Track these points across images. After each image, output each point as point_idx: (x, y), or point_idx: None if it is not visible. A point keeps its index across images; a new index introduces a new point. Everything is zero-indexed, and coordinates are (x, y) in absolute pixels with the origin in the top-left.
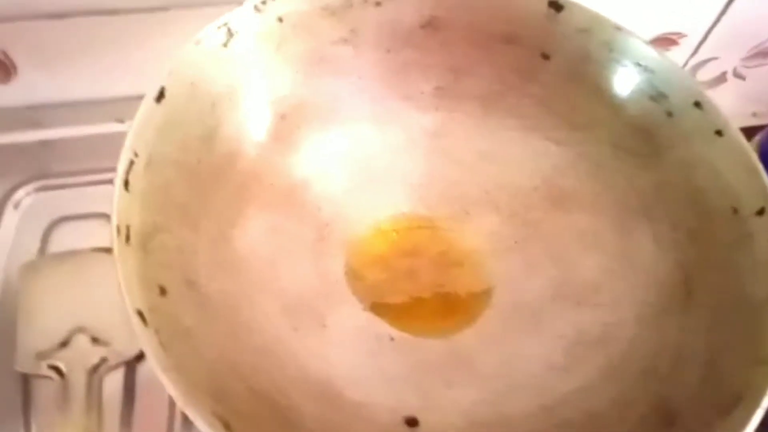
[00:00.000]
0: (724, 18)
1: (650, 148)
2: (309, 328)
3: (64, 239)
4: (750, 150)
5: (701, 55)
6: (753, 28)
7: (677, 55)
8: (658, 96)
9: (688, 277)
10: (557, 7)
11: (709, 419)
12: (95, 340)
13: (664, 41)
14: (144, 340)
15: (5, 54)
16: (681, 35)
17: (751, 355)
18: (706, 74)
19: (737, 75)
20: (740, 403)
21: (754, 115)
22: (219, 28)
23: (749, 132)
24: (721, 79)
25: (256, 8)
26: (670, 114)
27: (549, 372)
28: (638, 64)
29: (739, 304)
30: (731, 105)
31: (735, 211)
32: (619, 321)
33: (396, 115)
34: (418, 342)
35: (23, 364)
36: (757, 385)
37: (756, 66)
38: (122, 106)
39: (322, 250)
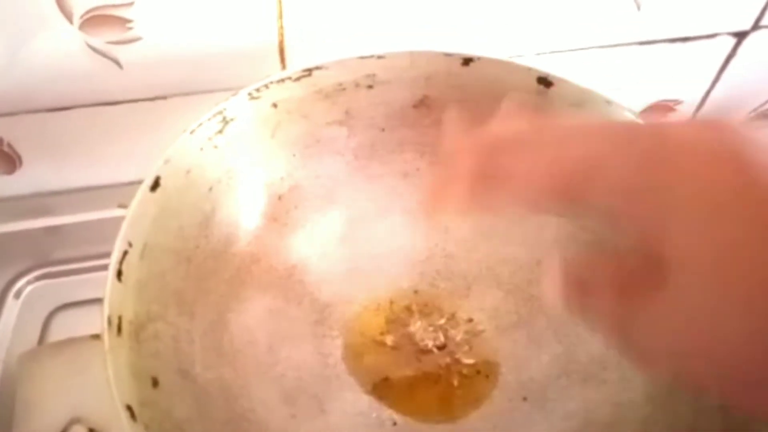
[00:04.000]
0: (719, 84)
1: None
2: (308, 415)
3: (65, 326)
4: None
5: None
6: (749, 92)
7: None
8: None
9: None
10: (547, 84)
11: None
12: (92, 431)
13: (661, 108)
14: None
15: (10, 146)
16: (678, 102)
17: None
18: None
19: None
20: None
21: None
22: (214, 116)
23: None
24: None
25: (251, 95)
26: None
27: None
28: None
29: None
30: None
31: None
32: (629, 400)
33: (393, 193)
34: (423, 427)
35: None
36: None
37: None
38: (125, 192)
39: (321, 332)
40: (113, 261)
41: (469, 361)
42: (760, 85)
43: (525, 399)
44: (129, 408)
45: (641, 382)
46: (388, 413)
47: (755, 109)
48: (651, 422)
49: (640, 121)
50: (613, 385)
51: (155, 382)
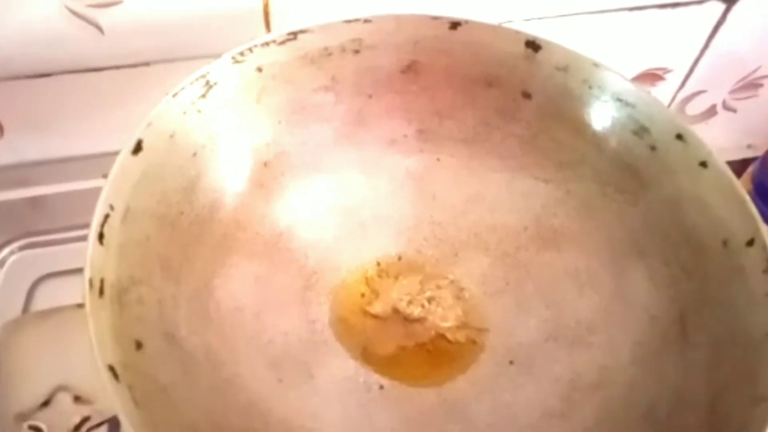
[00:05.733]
0: (707, 52)
1: (637, 184)
2: (295, 380)
3: (49, 296)
4: (735, 180)
5: (688, 89)
6: (737, 62)
7: (664, 90)
8: (639, 130)
9: (683, 315)
10: (535, 47)
11: None
12: (77, 399)
13: (651, 77)
14: (116, 397)
15: None
16: (667, 70)
17: (750, 393)
18: (695, 108)
19: (727, 107)
20: None
21: (749, 147)
22: (197, 80)
23: (745, 164)
24: (712, 112)
25: (234, 59)
26: (653, 148)
27: (545, 419)
28: (618, 99)
29: (736, 339)
30: (725, 138)
31: (725, 243)
32: (615, 363)
33: (380, 160)
34: (410, 391)
35: (2, 427)
36: (756, 424)
37: (746, 98)
38: (109, 162)
39: (308, 298)
40: (94, 224)
41: (456, 326)
42: (750, 53)
43: (512, 363)
44: (111, 368)
45: (628, 345)
46: (375, 378)
47: (744, 78)
48: (637, 384)
49: (628, 83)
50: (599, 348)
51: (139, 345)
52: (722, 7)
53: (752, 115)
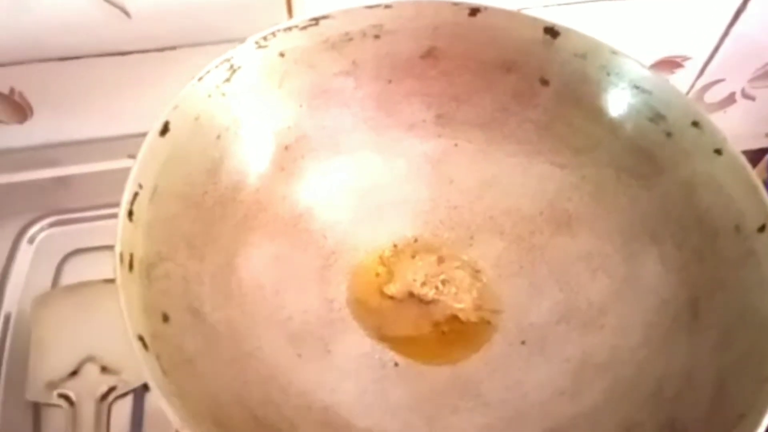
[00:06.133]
0: (727, 40)
1: (651, 169)
2: (313, 355)
3: (77, 271)
4: (749, 167)
5: (707, 77)
6: (757, 50)
7: (683, 78)
8: (656, 117)
9: (694, 297)
10: (553, 34)
11: None
12: (104, 369)
13: (670, 64)
14: (145, 365)
15: (21, 96)
16: (686, 58)
17: (756, 373)
18: (714, 96)
19: (746, 96)
20: (743, 420)
21: (767, 135)
22: (221, 63)
23: (763, 153)
24: (730, 100)
25: (258, 44)
26: (669, 134)
27: (556, 397)
28: (635, 86)
29: (746, 322)
30: (743, 126)
31: (737, 228)
32: (626, 343)
33: (399, 144)
34: (424, 368)
35: (34, 394)
36: (760, 403)
37: (765, 86)
38: (135, 143)
39: (327, 277)
40: (124, 201)
41: (471, 307)
42: (766, 43)
43: (524, 343)
44: (141, 338)
45: (639, 327)
46: (391, 355)
47: (763, 66)
48: (646, 364)
49: (645, 70)
50: (610, 329)
51: (165, 318)
52: None
53: None
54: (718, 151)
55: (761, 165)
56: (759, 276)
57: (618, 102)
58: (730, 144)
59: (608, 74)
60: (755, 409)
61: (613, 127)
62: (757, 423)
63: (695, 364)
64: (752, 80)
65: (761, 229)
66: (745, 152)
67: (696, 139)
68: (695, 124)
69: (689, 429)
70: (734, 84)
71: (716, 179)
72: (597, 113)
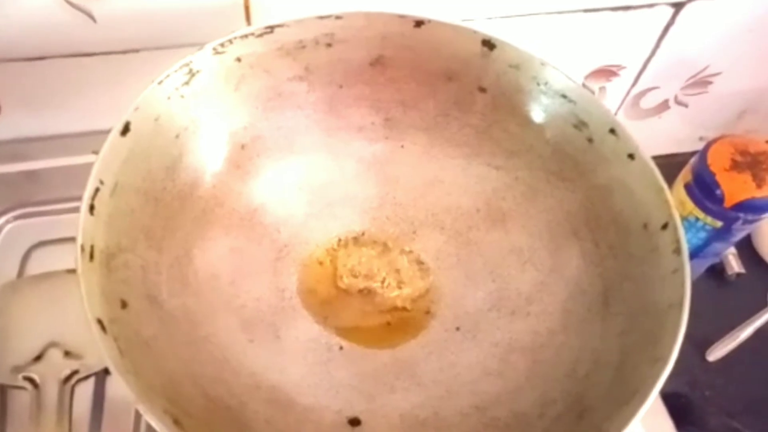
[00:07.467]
0: (659, 51)
1: (575, 172)
2: (264, 340)
3: (42, 262)
4: (657, 171)
5: (642, 85)
6: (687, 60)
7: (619, 85)
8: (579, 124)
9: (606, 289)
10: (490, 46)
11: (611, 412)
12: (67, 354)
13: (606, 72)
14: (103, 346)
15: None
16: (621, 67)
17: (651, 355)
18: (649, 102)
19: (679, 102)
20: (636, 395)
21: (701, 139)
22: (181, 68)
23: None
24: (665, 106)
25: (215, 50)
26: (590, 140)
27: (484, 377)
28: (563, 96)
29: (647, 311)
30: (678, 130)
31: (645, 226)
32: (547, 330)
33: (349, 145)
34: (366, 352)
35: (0, 377)
36: (651, 379)
37: (697, 94)
38: (99, 139)
39: (279, 269)
40: (86, 196)
41: (412, 297)
42: (698, 53)
43: (458, 329)
44: (100, 322)
45: (559, 314)
46: (336, 340)
47: (693, 76)
48: (563, 348)
49: (571, 81)
50: (535, 317)
51: (124, 304)
52: (671, 10)
53: (703, 110)
54: (631, 156)
55: (686, 168)
56: (659, 271)
57: (547, 110)
58: (641, 150)
59: (538, 84)
60: (646, 385)
61: (542, 132)
62: (646, 396)
63: (603, 347)
64: (684, 88)
65: (664, 226)
66: (681, 155)
67: (613, 144)
68: (612, 131)
69: (594, 404)
70: (668, 91)
71: (628, 181)
72: (529, 120)
